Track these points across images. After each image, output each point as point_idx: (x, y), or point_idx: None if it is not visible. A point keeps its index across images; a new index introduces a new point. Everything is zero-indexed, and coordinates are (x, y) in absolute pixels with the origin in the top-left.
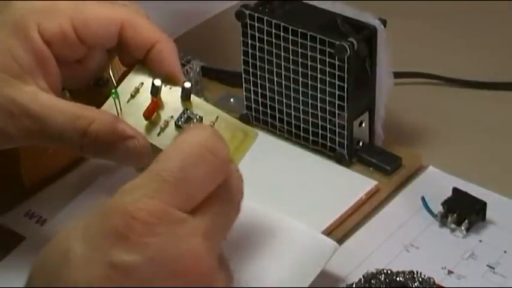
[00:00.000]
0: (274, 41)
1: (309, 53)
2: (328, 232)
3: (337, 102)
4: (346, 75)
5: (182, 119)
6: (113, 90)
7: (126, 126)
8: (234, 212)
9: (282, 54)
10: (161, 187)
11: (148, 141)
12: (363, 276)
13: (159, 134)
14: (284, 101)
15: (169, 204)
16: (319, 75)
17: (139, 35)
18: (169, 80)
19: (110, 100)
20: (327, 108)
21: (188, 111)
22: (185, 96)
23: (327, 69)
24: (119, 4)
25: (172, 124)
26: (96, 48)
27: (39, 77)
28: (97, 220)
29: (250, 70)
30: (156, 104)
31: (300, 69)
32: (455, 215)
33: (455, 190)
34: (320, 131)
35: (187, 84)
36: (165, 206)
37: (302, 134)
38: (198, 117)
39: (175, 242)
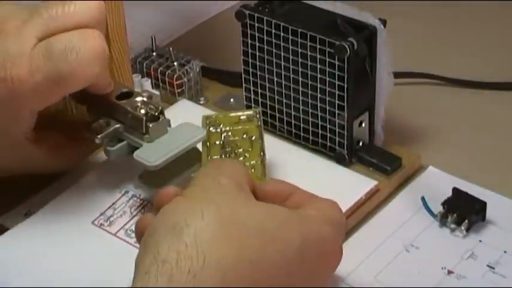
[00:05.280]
0: (274, 41)
1: (309, 53)
2: None
3: (337, 102)
4: (346, 75)
5: None
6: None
7: None
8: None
9: (282, 54)
10: None
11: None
12: None
13: None
14: (284, 101)
15: None
16: (319, 75)
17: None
18: None
19: None
20: (327, 108)
21: None
22: None
23: (327, 69)
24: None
25: None
26: None
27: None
28: None
29: (250, 70)
30: None
31: (300, 69)
32: (455, 215)
33: (455, 190)
34: (320, 131)
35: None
36: None
37: (302, 134)
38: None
39: None
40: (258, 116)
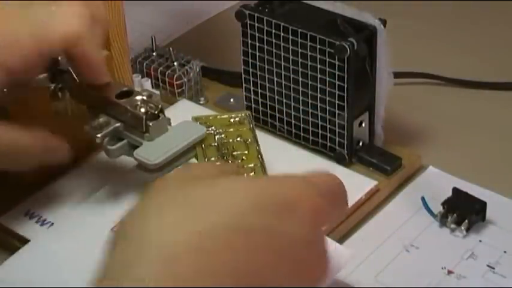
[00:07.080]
0: (274, 41)
1: (309, 53)
2: (329, 232)
3: (337, 102)
4: (346, 75)
5: None
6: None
7: None
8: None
9: (282, 54)
10: None
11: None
12: None
13: None
14: (284, 101)
15: None
16: (319, 75)
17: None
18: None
19: None
20: (327, 108)
21: None
22: None
23: (327, 69)
24: None
25: None
26: None
27: None
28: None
29: (250, 70)
30: None
31: (300, 69)
32: (455, 215)
33: (455, 190)
34: (320, 131)
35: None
36: None
37: (302, 134)
38: None
39: None
40: (249, 118)
